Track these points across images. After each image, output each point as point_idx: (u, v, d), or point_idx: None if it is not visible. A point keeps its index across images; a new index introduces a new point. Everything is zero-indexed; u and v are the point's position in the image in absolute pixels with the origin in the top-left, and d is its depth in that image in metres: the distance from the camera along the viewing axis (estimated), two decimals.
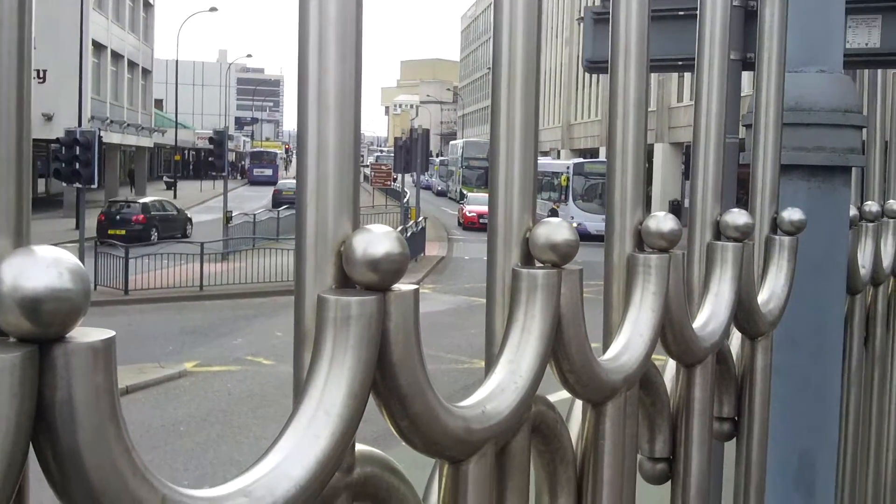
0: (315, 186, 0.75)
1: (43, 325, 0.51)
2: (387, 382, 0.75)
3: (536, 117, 0.99)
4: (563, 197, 41.33)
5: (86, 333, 0.54)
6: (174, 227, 34.66)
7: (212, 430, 11.89)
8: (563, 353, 0.99)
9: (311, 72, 0.75)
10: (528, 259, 0.98)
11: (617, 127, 1.19)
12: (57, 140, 23.80)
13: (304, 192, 0.75)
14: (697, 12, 1.42)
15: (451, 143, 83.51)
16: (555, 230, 0.96)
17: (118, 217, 33.17)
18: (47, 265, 0.52)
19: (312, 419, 0.70)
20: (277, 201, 46.48)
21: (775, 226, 1.60)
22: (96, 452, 0.54)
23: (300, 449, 0.68)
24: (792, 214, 1.59)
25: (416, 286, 0.76)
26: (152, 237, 31.14)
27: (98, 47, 46.84)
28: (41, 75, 39.95)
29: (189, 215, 37.33)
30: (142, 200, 35.82)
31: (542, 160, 52.03)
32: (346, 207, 0.75)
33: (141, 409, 12.69)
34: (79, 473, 0.53)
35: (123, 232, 31.36)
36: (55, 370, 0.52)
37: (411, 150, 35.04)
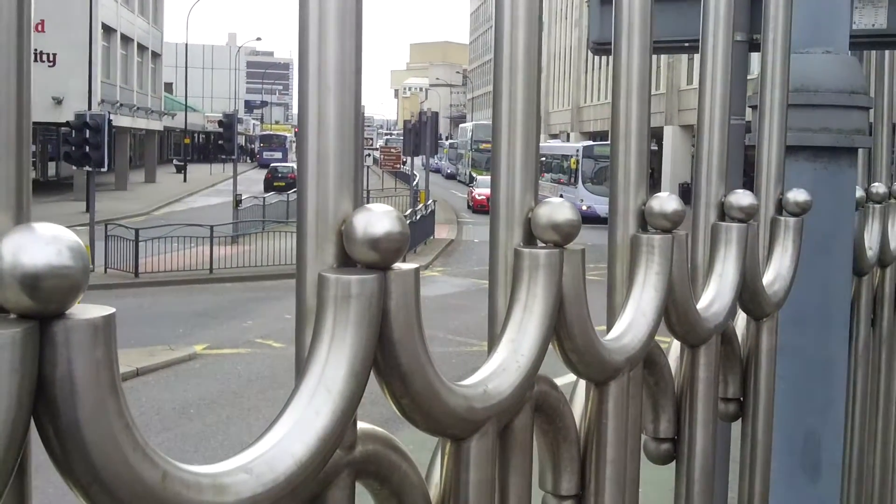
0: (316, 166, 0.75)
1: (43, 301, 0.52)
2: (388, 360, 0.76)
3: (538, 98, 0.99)
4: (572, 180, 41.26)
5: (86, 310, 0.55)
6: None
7: (222, 412, 11.96)
8: (565, 332, 0.99)
9: (311, 50, 0.75)
10: (530, 239, 0.98)
11: (620, 108, 1.19)
12: (67, 123, 23.85)
13: (305, 172, 0.75)
14: None
15: (461, 125, 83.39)
16: (556, 210, 0.96)
17: (279, 175, 49.38)
18: (46, 242, 0.52)
19: (313, 396, 0.70)
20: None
21: (780, 207, 1.59)
22: (97, 427, 0.54)
23: (301, 426, 0.69)
24: (797, 195, 1.58)
25: (416, 265, 0.77)
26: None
27: (108, 31, 46.80)
28: (51, 59, 40.00)
29: None
30: (290, 165, 52.90)
31: (551, 143, 51.95)
32: (346, 187, 0.76)
33: (151, 392, 12.77)
34: (79, 448, 0.54)
35: (283, 184, 45.09)
36: (55, 346, 0.53)
37: (420, 133, 35.00)
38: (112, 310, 0.55)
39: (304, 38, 0.75)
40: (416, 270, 0.77)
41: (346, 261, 0.75)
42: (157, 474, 0.58)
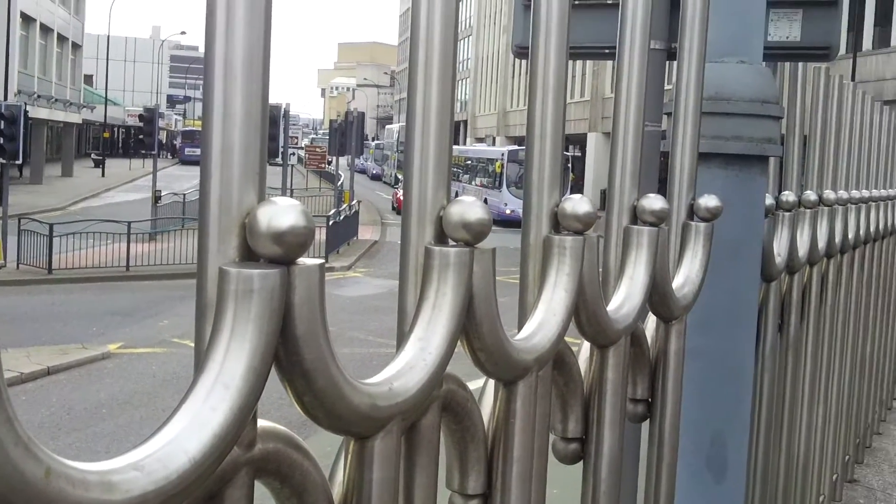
0: (220, 157, 0.73)
1: None
2: (290, 357, 0.75)
3: (452, 96, 0.99)
4: (497, 183, 41.53)
5: None
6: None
7: (135, 412, 11.71)
8: (474, 331, 0.99)
9: (219, 39, 0.73)
10: (441, 237, 0.98)
11: (536, 111, 1.20)
12: None
13: (209, 163, 0.73)
14: (620, 0, 1.43)
15: (388, 126, 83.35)
16: (468, 209, 0.96)
17: None
18: None
19: (210, 393, 0.68)
20: None
21: (692, 212, 1.62)
22: None
23: (196, 423, 0.67)
24: (708, 201, 1.61)
25: (321, 261, 0.76)
26: None
27: (26, 20, 45.48)
28: None
29: None
30: None
31: (477, 147, 52.22)
32: (251, 179, 0.74)
33: (62, 391, 12.45)
34: None
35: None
36: None
37: (346, 133, 34.89)
38: None
39: (210, 25, 0.73)
40: (321, 265, 0.76)
41: (248, 255, 0.74)
42: (41, 470, 0.56)
